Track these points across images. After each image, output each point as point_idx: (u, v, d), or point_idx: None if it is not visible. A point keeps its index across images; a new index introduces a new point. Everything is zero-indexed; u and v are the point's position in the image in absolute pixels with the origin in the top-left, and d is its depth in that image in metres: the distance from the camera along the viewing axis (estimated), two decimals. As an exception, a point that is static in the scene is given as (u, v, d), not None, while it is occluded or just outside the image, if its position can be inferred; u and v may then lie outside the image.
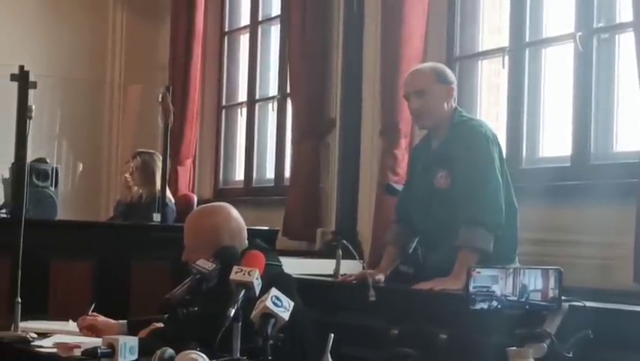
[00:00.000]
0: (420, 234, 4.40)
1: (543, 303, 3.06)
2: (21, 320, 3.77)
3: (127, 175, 6.60)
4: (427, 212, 4.29)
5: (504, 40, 5.37)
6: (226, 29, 8.29)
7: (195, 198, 6.81)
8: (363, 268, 4.60)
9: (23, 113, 4.89)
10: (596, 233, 4.49)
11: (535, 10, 5.20)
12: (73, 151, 8.26)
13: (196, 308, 3.42)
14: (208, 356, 2.84)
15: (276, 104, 7.39)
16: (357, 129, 6.20)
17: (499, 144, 4.25)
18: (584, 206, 4.60)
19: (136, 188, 6.49)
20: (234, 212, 3.76)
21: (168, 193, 6.54)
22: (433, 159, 4.31)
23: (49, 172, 5.69)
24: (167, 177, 6.41)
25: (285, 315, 2.79)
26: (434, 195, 4.24)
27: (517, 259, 4.20)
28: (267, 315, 2.76)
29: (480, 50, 5.63)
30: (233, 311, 2.81)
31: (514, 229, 4.20)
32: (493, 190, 4.09)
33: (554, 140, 5.15)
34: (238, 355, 2.84)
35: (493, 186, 4.10)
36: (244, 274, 2.90)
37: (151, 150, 6.67)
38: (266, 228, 5.60)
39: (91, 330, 3.80)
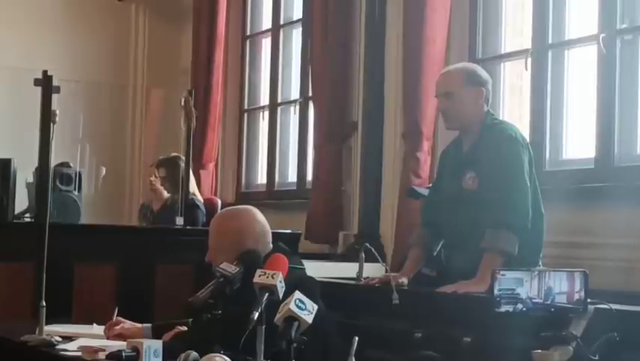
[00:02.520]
0: (446, 236, 4.39)
1: (569, 305, 3.04)
2: (45, 324, 3.79)
3: (151, 179, 6.62)
4: (453, 213, 4.28)
5: (526, 42, 5.35)
6: (248, 33, 8.31)
7: (219, 202, 6.82)
8: (386, 271, 4.58)
9: (47, 117, 4.91)
10: (620, 235, 4.46)
11: (558, 11, 5.18)
12: (96, 155, 8.29)
13: (220, 311, 3.43)
14: (232, 359, 2.85)
15: (298, 107, 7.40)
16: (379, 132, 6.19)
17: (529, 149, 4.23)
18: (608, 208, 4.58)
19: (168, 194, 6.50)
20: (259, 215, 3.76)
21: (199, 196, 6.56)
22: (462, 160, 4.30)
23: (73, 176, 5.71)
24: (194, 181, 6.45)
25: (309, 318, 2.78)
26: (462, 197, 4.23)
27: (540, 263, 4.18)
28: (291, 318, 2.75)
29: (502, 51, 5.62)
30: (256, 314, 2.81)
31: (540, 233, 4.19)
32: (521, 193, 4.08)
33: (578, 142, 5.13)
34: (262, 358, 2.83)
35: (521, 190, 4.08)
36: (267, 277, 2.90)
37: (172, 154, 6.69)
38: (288, 231, 5.60)
39: (119, 337, 3.81)
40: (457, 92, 4.28)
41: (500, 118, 4.58)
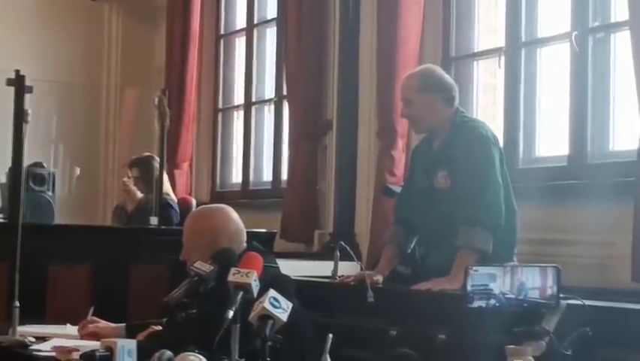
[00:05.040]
0: (419, 234, 4.41)
1: (541, 301, 3.06)
2: (19, 324, 3.77)
3: (124, 179, 6.59)
4: (426, 212, 4.30)
5: (500, 41, 5.38)
6: (222, 32, 8.30)
7: (194, 202, 6.81)
8: (361, 269, 4.59)
9: (19, 117, 4.88)
10: (593, 232, 4.49)
11: (531, 9, 5.21)
12: (69, 155, 8.25)
13: (194, 310, 3.42)
14: (207, 358, 2.84)
15: (272, 106, 7.40)
16: (354, 130, 6.20)
17: (499, 146, 4.25)
18: (581, 205, 4.61)
19: (142, 195, 6.48)
20: (234, 214, 3.76)
21: (172, 196, 6.55)
22: (433, 159, 4.32)
23: (46, 176, 5.69)
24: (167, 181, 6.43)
25: (284, 316, 2.79)
26: (434, 196, 4.25)
27: (515, 259, 4.20)
28: (266, 316, 2.76)
29: (476, 50, 5.64)
30: (231, 313, 2.81)
31: (513, 230, 4.21)
32: (493, 191, 4.10)
33: (551, 139, 5.15)
34: (237, 357, 2.83)
35: (493, 187, 4.11)
36: (242, 275, 2.90)
37: (145, 154, 6.66)
38: (263, 230, 5.60)
39: (92, 336, 3.80)
40: (413, 100, 4.32)
41: (470, 115, 4.60)
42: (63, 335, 3.88)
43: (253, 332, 2.76)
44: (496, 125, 5.16)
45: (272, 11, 7.55)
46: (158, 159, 6.29)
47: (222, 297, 2.93)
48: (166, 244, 5.12)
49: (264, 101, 7.61)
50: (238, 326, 2.83)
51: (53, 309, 4.96)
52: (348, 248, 4.90)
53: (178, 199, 6.63)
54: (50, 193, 5.69)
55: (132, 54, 8.80)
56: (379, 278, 4.33)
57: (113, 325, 3.88)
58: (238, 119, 7.98)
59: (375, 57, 5.90)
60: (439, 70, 4.50)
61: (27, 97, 4.92)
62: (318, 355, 2.87)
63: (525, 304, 3.04)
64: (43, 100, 7.64)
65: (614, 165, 4.59)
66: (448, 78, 4.42)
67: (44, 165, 5.87)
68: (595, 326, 3.12)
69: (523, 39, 5.22)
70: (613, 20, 4.75)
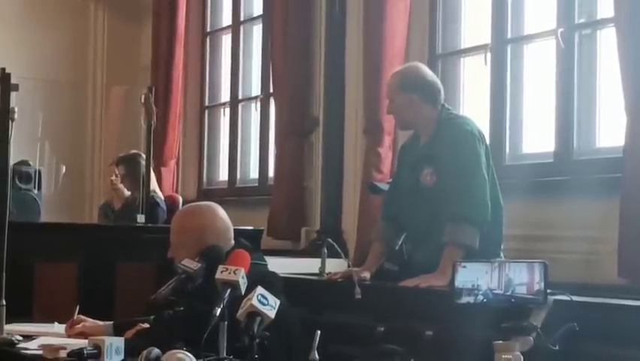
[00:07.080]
0: (406, 231, 4.41)
1: (529, 296, 3.06)
2: (5, 323, 3.76)
3: (112, 178, 6.58)
4: (412, 209, 4.30)
5: (486, 38, 5.38)
6: (208, 29, 8.29)
7: (180, 199, 6.81)
8: (349, 266, 4.60)
9: (5, 115, 4.86)
10: (579, 228, 4.51)
11: (517, 6, 5.23)
12: (55, 153, 8.23)
13: (182, 308, 3.43)
14: (194, 356, 2.84)
15: (259, 103, 7.39)
16: (340, 128, 6.20)
17: (485, 142, 4.26)
18: (567, 201, 4.62)
19: (129, 193, 6.47)
20: (221, 212, 3.76)
21: (160, 193, 6.54)
22: (419, 156, 4.32)
23: (32, 175, 5.68)
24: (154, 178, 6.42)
25: (271, 313, 2.79)
26: (420, 193, 4.25)
27: (502, 255, 4.21)
28: (254, 313, 2.76)
29: (462, 47, 5.65)
30: (219, 310, 2.81)
31: (500, 225, 4.22)
32: (479, 187, 4.10)
33: (537, 136, 5.17)
34: (224, 354, 2.83)
35: (479, 183, 4.11)
36: (230, 273, 2.90)
37: (132, 151, 6.65)
38: (250, 228, 5.58)
39: (80, 335, 3.79)
40: (393, 99, 4.35)
41: (457, 112, 4.61)
42: (50, 334, 3.87)
43: (241, 329, 2.76)
44: (482, 122, 5.16)
45: (258, 8, 7.55)
46: (144, 156, 6.28)
47: (210, 294, 2.93)
48: (153, 241, 5.09)
49: (251, 99, 7.61)
50: (226, 323, 2.83)
51: (40, 307, 4.94)
52: (335, 245, 4.91)
53: (165, 197, 6.63)
54: (36, 191, 5.69)
55: (118, 52, 8.79)
56: (367, 275, 4.34)
57: (101, 323, 3.87)
58: (224, 117, 7.97)
59: (361, 54, 5.90)
60: (423, 68, 4.46)
61: (13, 95, 4.90)
62: (305, 351, 2.87)
63: (513, 300, 3.04)
64: (28, 98, 7.60)
65: (600, 162, 4.61)
66: (431, 77, 4.38)
67: (30, 163, 5.85)
68: (582, 322, 3.13)
69: (509, 36, 5.23)
70: (599, 17, 4.78)
